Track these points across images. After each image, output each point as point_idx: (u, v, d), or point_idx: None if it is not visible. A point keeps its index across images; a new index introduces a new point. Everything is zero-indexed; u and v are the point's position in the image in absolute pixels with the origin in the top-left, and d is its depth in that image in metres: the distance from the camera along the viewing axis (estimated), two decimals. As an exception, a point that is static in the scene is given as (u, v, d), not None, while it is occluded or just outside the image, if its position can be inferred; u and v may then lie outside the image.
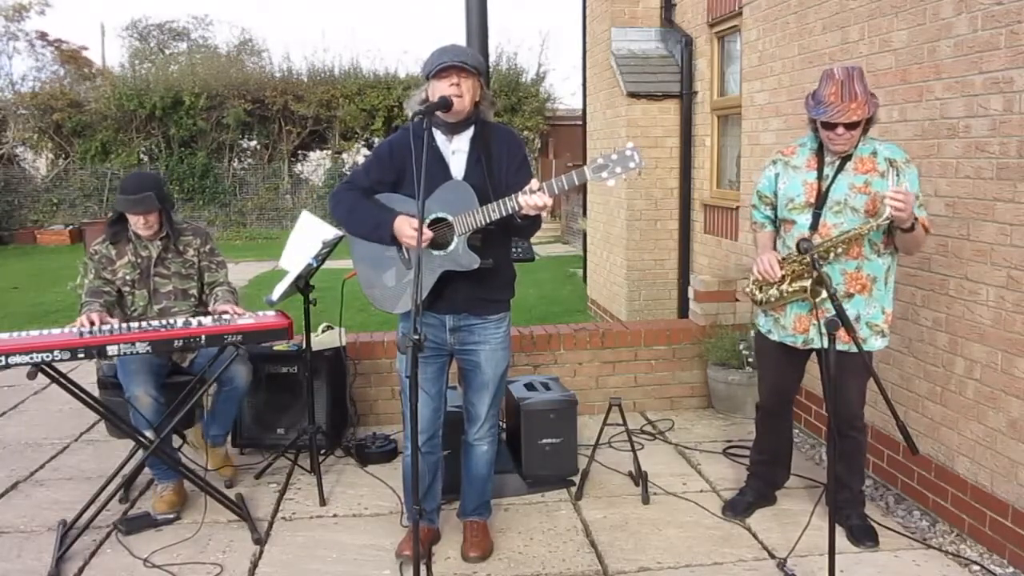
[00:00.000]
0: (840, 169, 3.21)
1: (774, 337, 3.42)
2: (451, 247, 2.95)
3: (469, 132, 3.03)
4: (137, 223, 3.73)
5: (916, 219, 3.02)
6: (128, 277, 3.79)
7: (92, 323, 3.43)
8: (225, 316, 3.55)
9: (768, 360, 3.54)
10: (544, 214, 2.89)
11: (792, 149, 3.39)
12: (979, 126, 3.29)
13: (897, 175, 3.05)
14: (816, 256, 3.03)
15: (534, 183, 2.82)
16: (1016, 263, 3.12)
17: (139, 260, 3.80)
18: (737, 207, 5.97)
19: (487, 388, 3.19)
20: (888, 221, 3.00)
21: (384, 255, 3.05)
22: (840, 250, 3.16)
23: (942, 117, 3.52)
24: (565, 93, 31.43)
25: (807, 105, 3.18)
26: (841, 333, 2.80)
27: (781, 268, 3.24)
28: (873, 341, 3.25)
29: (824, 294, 2.98)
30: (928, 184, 3.56)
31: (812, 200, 3.25)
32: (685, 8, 7.03)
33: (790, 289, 3.22)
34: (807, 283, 3.12)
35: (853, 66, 3.10)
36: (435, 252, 2.95)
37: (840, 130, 3.09)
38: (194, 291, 3.89)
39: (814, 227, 3.22)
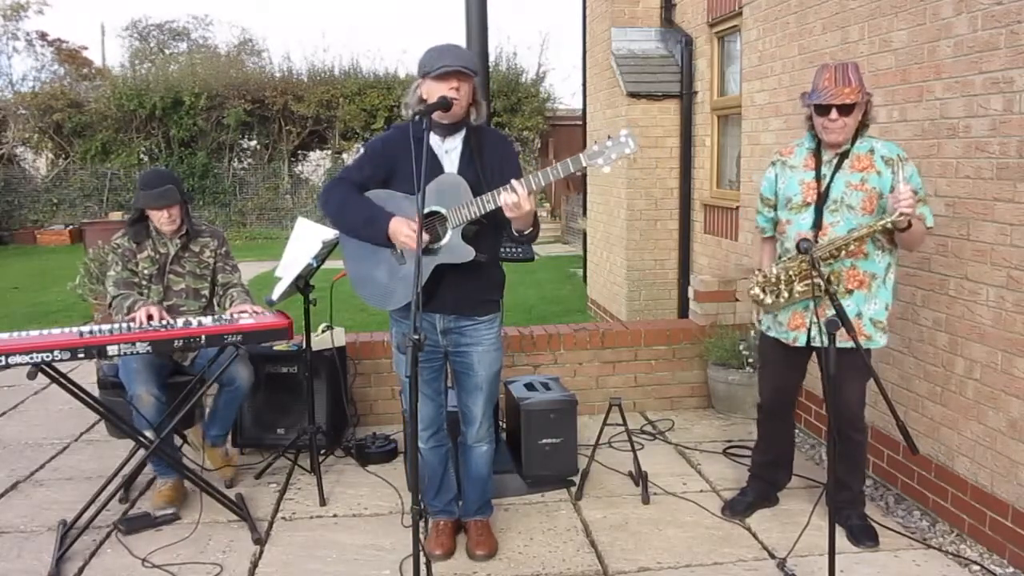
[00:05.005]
0: (838, 167, 3.23)
1: (772, 333, 3.43)
2: (445, 239, 2.96)
3: (462, 132, 3.05)
4: (161, 218, 3.75)
5: (914, 217, 3.03)
6: (146, 271, 3.82)
7: (151, 317, 3.45)
8: (244, 315, 3.59)
9: (769, 360, 3.55)
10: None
11: (790, 149, 3.42)
12: (979, 126, 3.29)
13: (902, 174, 3.05)
14: (815, 255, 3.02)
15: (515, 182, 2.81)
16: (1016, 263, 3.12)
17: (157, 256, 3.84)
18: (737, 207, 5.97)
19: (481, 389, 3.19)
20: (894, 220, 3.00)
21: (376, 251, 3.05)
22: (852, 247, 3.15)
23: (942, 117, 3.52)
24: (565, 93, 31.56)
25: (802, 101, 3.22)
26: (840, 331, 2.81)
27: (787, 270, 3.24)
28: (878, 338, 3.26)
29: (826, 291, 2.99)
30: (928, 184, 3.56)
31: (809, 200, 3.26)
32: (685, 8, 7.03)
33: (800, 288, 3.22)
34: (817, 282, 3.11)
35: (848, 60, 3.15)
36: (429, 247, 2.95)
37: (834, 114, 3.10)
38: (206, 292, 3.92)
39: (817, 226, 3.23)
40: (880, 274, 3.23)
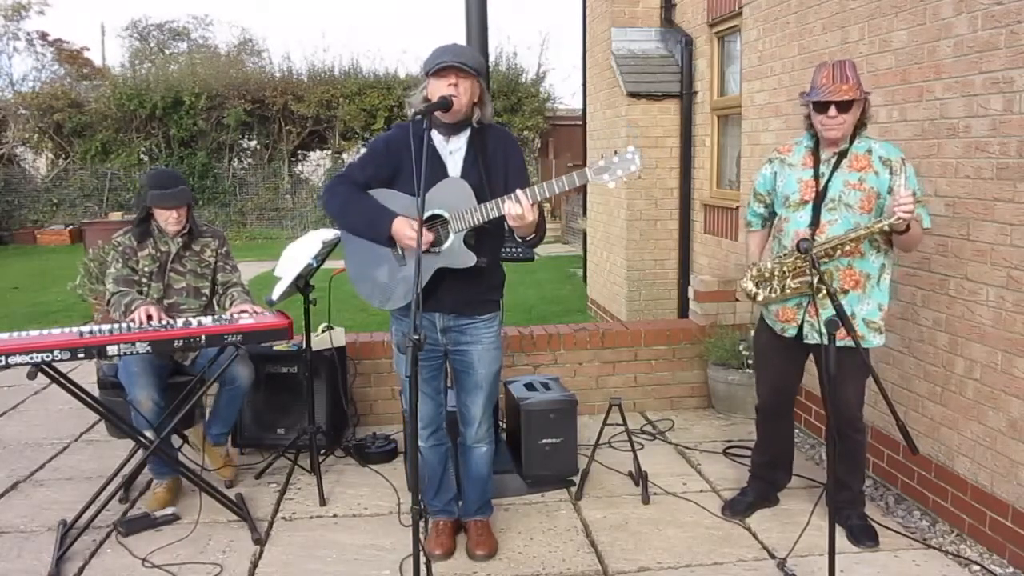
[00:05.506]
0: (836, 166, 3.23)
1: (766, 319, 3.46)
2: (447, 244, 2.96)
3: (466, 132, 3.04)
4: (168, 218, 3.77)
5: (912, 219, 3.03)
6: (147, 269, 3.83)
7: (151, 317, 3.45)
8: (244, 315, 3.59)
9: (766, 359, 3.55)
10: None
11: (789, 147, 3.43)
12: (979, 126, 3.29)
13: (903, 178, 3.05)
14: (815, 255, 3.03)
15: (519, 192, 2.81)
16: (1016, 263, 3.12)
17: (159, 254, 3.84)
18: (737, 207, 5.97)
19: (480, 388, 3.19)
20: (893, 223, 3.00)
21: (377, 251, 3.05)
22: (848, 247, 3.16)
23: (942, 117, 3.52)
24: (565, 93, 31.58)
25: (801, 99, 3.24)
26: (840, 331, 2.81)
27: (782, 266, 3.25)
28: (871, 338, 3.26)
29: (824, 291, 2.99)
30: (928, 184, 3.56)
31: (807, 198, 3.27)
32: (685, 8, 7.03)
33: (793, 285, 3.23)
34: (810, 279, 3.12)
35: (846, 59, 3.19)
36: (431, 249, 2.95)
37: (832, 111, 3.12)
38: (206, 291, 3.93)
39: (814, 224, 3.23)
40: (874, 274, 3.24)
